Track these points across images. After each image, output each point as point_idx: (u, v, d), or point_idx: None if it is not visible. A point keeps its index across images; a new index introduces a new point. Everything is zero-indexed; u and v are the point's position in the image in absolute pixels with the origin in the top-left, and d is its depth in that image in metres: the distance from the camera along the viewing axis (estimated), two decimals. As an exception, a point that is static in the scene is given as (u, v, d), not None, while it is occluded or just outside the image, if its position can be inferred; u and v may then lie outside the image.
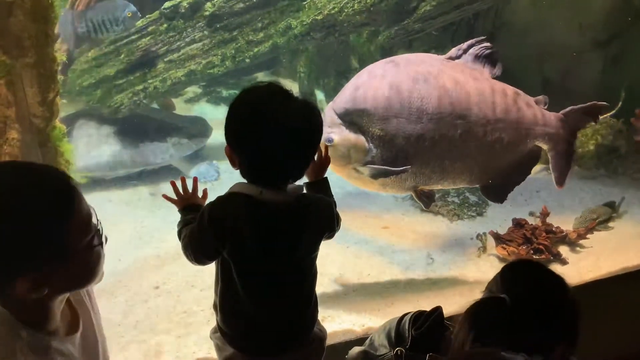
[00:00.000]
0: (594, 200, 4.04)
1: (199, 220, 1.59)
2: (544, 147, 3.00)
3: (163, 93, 4.30)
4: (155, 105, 5.06)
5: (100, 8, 3.85)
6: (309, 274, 1.67)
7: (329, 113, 2.71)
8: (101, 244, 1.37)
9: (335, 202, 1.83)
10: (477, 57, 2.80)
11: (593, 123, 3.10)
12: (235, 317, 1.64)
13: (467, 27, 4.62)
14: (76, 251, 1.28)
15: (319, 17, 3.99)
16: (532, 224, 3.48)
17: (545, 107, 2.97)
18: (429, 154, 2.70)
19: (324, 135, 2.64)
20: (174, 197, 1.82)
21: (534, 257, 3.28)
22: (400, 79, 2.64)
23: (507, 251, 3.32)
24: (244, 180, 1.58)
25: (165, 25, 4.20)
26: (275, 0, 4.17)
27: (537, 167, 4.45)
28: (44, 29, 1.94)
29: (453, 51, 2.82)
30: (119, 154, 4.18)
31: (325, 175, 1.97)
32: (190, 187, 1.84)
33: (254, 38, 4.17)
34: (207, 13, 4.17)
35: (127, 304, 2.93)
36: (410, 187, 2.82)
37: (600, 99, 3.02)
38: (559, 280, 1.48)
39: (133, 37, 4.19)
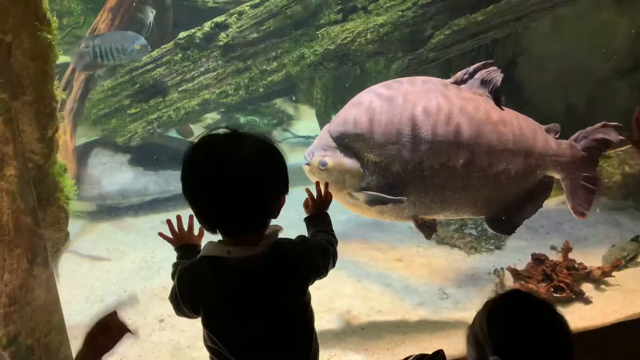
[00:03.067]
0: (622, 233, 3.85)
1: (174, 285, 1.54)
2: (557, 176, 2.85)
3: (177, 122, 4.34)
4: (174, 132, 5.12)
5: (110, 36, 3.95)
6: (301, 321, 1.57)
7: (324, 135, 2.62)
8: None
9: (334, 240, 1.76)
10: (484, 82, 2.68)
11: (611, 145, 2.91)
12: None
13: (486, 53, 4.54)
14: None
15: (332, 47, 3.98)
16: (552, 260, 3.32)
17: (557, 135, 2.83)
18: (428, 183, 2.58)
19: (318, 159, 2.56)
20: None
21: (554, 295, 3.11)
22: (399, 104, 2.53)
23: (525, 288, 3.16)
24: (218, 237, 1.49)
25: (180, 55, 4.26)
26: (289, 30, 4.18)
27: (560, 198, 4.30)
28: (44, 67, 1.97)
29: (459, 75, 2.69)
30: (133, 182, 4.22)
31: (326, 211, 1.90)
32: (186, 226, 1.80)
33: (268, 67, 4.18)
34: (221, 43, 4.21)
35: (130, 338, 2.89)
36: (410, 216, 2.70)
37: (628, 127, 2.86)
38: (558, 321, 1.30)
39: (148, 66, 4.26)
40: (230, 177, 1.38)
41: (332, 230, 1.81)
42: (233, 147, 1.40)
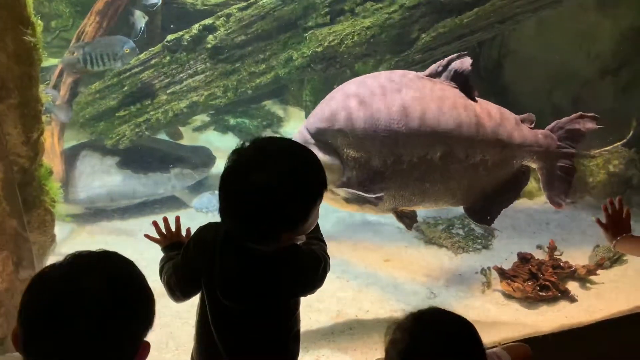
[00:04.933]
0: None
1: (184, 249, 1.60)
2: (533, 166, 2.89)
3: (165, 124, 4.34)
4: (163, 134, 5.11)
5: (99, 42, 3.95)
6: (281, 323, 1.61)
7: (302, 132, 2.62)
8: None
9: (325, 246, 1.78)
10: (457, 74, 2.68)
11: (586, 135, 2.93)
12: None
13: (473, 55, 4.57)
14: None
15: (319, 49, 4.00)
16: (538, 259, 3.35)
17: (532, 125, 2.86)
18: (407, 177, 2.60)
19: None
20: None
21: (540, 293, 3.15)
22: (377, 99, 2.53)
23: (512, 287, 3.20)
24: None
25: (168, 58, 4.26)
26: (277, 33, 4.20)
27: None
28: (28, 70, 1.97)
29: (433, 67, 2.70)
30: (121, 184, 4.21)
31: None
32: (173, 227, 1.82)
33: (256, 69, 4.19)
34: (209, 45, 4.21)
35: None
36: (390, 208, 2.73)
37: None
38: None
39: (136, 69, 4.26)
40: (232, 204, 1.46)
41: (322, 235, 1.83)
42: (244, 177, 1.44)
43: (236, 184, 1.44)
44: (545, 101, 4.63)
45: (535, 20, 4.23)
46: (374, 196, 2.57)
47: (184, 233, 1.84)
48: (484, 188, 2.80)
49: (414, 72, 2.75)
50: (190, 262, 1.57)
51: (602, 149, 4.18)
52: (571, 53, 4.42)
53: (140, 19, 4.33)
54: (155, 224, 1.82)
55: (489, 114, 2.70)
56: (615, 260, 3.54)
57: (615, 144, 4.18)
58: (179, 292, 1.62)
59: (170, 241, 1.79)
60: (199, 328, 1.62)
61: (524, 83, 4.59)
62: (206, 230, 1.59)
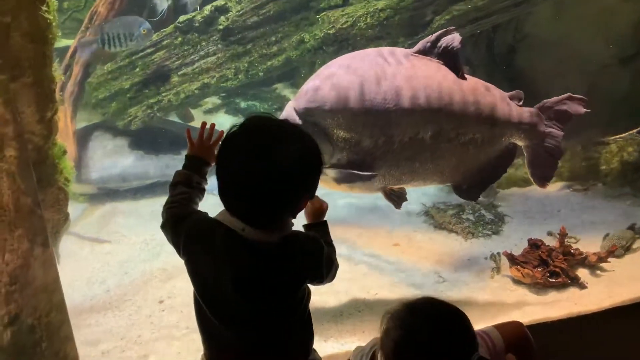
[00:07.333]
0: (618, 220, 3.85)
1: (188, 218, 1.59)
2: (520, 143, 2.86)
3: (176, 106, 4.35)
4: (174, 116, 5.12)
5: (117, 22, 3.93)
6: (291, 315, 1.59)
7: (289, 112, 2.52)
8: None
9: (332, 249, 1.74)
10: (447, 51, 2.60)
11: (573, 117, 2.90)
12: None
13: (487, 39, 4.52)
14: None
15: (332, 31, 3.96)
16: (548, 245, 3.33)
17: (520, 103, 2.82)
18: (398, 157, 2.55)
19: None
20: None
21: (550, 280, 3.14)
22: (367, 78, 2.45)
23: (521, 273, 3.19)
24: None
25: (180, 39, 4.26)
26: (289, 15, 4.16)
27: (558, 185, 4.31)
28: (42, 49, 1.98)
29: (422, 44, 2.62)
30: (133, 165, 4.25)
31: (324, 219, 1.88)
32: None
33: (267, 52, 4.17)
34: (221, 27, 4.20)
35: (130, 319, 2.94)
36: (379, 188, 2.69)
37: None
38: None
39: (148, 50, 4.27)
40: (256, 174, 1.41)
41: (331, 240, 1.79)
42: (270, 142, 1.44)
43: (256, 162, 1.41)
44: (560, 86, 4.55)
45: (551, 4, 4.14)
46: (369, 174, 2.52)
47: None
48: (472, 166, 2.77)
49: (403, 49, 2.67)
50: (178, 240, 1.56)
51: (617, 136, 4.13)
52: (588, 38, 4.33)
53: (162, 1, 4.30)
54: (203, 125, 1.79)
55: (477, 91, 2.65)
56: (627, 248, 3.51)
57: (631, 131, 4.12)
58: (163, 222, 1.67)
59: (200, 149, 1.75)
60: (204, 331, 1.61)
61: (539, 68, 4.51)
62: (204, 230, 1.53)
